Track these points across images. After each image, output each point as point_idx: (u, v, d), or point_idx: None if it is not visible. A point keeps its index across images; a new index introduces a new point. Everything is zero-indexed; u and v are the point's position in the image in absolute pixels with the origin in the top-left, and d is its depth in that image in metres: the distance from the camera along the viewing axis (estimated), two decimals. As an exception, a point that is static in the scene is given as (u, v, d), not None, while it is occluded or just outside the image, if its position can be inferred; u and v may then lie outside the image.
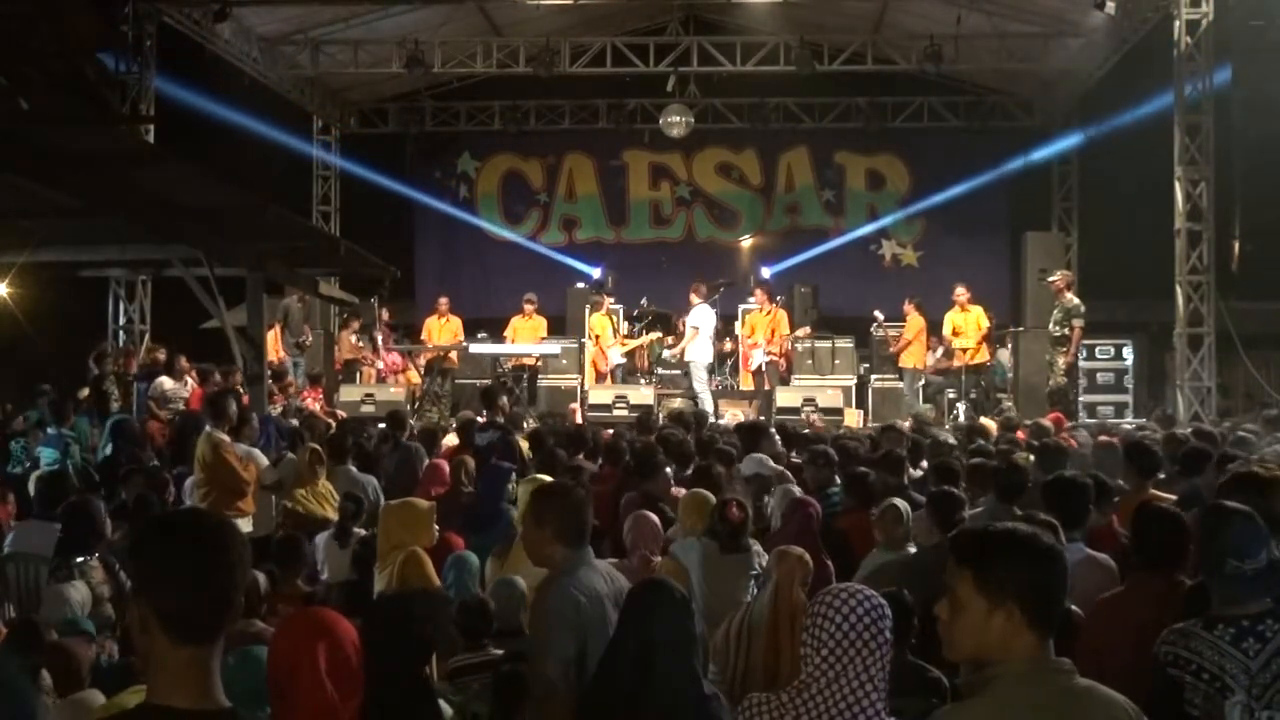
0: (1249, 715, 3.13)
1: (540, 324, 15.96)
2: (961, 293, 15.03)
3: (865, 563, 5.52)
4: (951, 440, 9.03)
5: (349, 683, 3.68)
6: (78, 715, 3.81)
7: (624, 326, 15.95)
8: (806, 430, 10.50)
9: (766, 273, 17.92)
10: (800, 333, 15.35)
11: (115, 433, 9.07)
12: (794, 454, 8.43)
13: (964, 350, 14.84)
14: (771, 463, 7.47)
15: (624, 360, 15.44)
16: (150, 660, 2.05)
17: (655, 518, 5.83)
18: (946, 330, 15.15)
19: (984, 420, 12.06)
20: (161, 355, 12.38)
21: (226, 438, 7.51)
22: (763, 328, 15.35)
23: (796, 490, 6.46)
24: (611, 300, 15.93)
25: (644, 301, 16.53)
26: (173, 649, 2.02)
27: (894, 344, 15.20)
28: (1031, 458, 7.43)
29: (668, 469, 7.47)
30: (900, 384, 15.08)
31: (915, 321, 15.14)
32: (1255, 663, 3.19)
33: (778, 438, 8.57)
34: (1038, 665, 2.33)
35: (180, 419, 9.99)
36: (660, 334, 16.02)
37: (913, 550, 5.42)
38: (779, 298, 15.92)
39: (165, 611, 2.01)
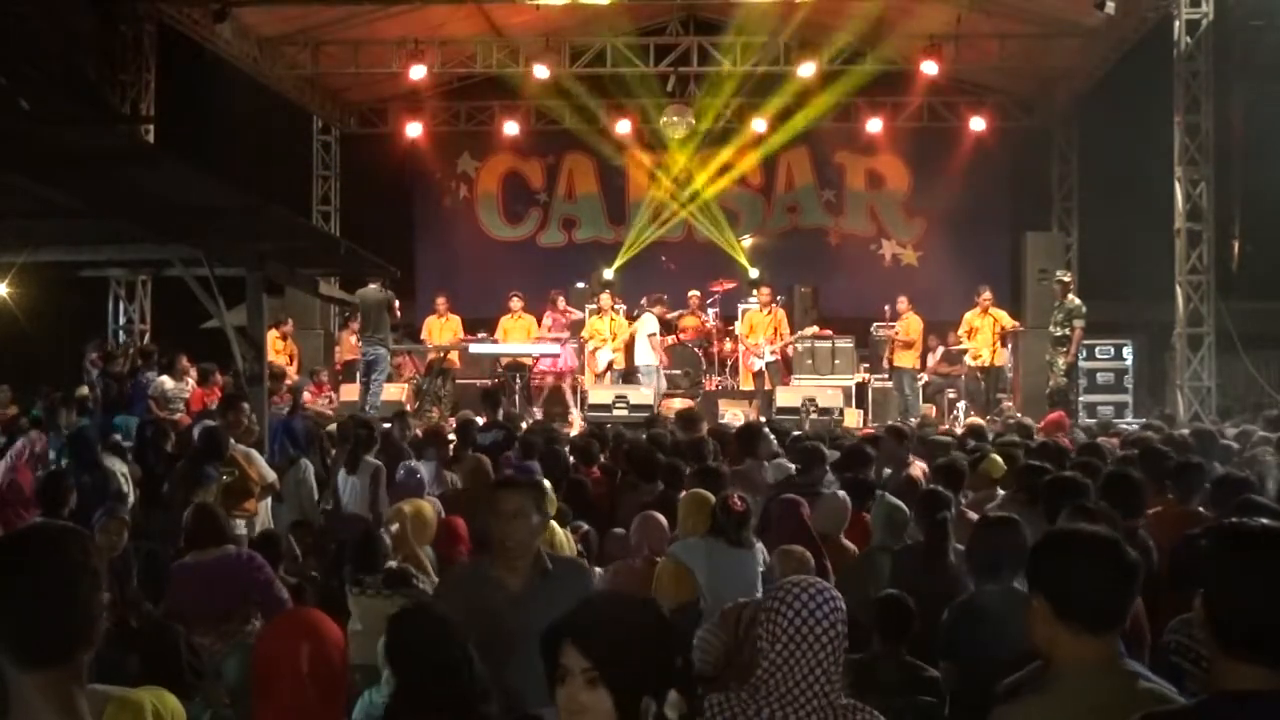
0: None
1: (529, 322, 15.94)
2: (986, 296, 15.01)
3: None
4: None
5: (332, 684, 3.69)
6: (90, 704, 3.83)
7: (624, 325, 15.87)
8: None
9: (757, 273, 17.95)
10: (809, 331, 15.38)
11: (141, 438, 9.00)
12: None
13: (977, 354, 14.84)
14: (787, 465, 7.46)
15: (615, 356, 15.42)
16: (8, 690, 1.97)
17: (663, 518, 5.82)
18: (962, 330, 15.14)
19: (975, 419, 12.09)
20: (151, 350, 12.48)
21: (230, 439, 7.54)
22: (763, 328, 15.35)
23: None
24: (611, 300, 15.89)
25: (643, 301, 16.52)
26: (21, 675, 1.96)
27: (894, 344, 15.16)
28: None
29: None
30: (890, 385, 15.12)
31: (915, 323, 15.12)
32: None
33: (773, 439, 8.58)
34: (1097, 666, 2.35)
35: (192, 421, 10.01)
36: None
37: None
38: (779, 297, 15.95)
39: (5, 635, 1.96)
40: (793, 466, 7.45)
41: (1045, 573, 2.45)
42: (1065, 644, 2.37)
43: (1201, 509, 5.70)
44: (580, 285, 17.53)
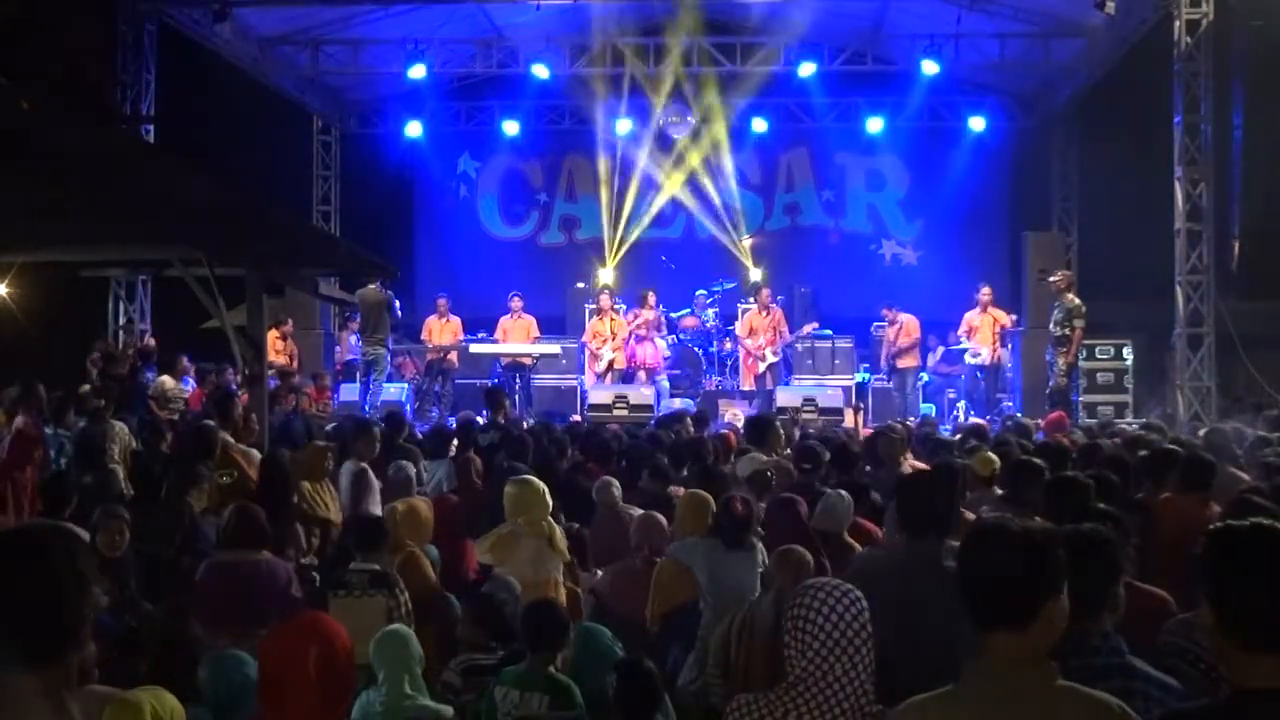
0: None
1: (529, 323, 15.94)
2: (986, 293, 15.01)
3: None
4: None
5: (338, 687, 3.69)
6: (88, 705, 3.82)
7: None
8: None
9: (758, 274, 17.94)
10: (806, 329, 15.41)
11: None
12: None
13: (976, 353, 14.82)
14: (764, 458, 7.44)
15: (614, 355, 15.42)
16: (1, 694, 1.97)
17: (663, 518, 5.81)
18: (962, 329, 15.14)
19: (976, 420, 12.09)
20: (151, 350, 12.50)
21: (231, 438, 7.52)
22: (764, 329, 15.33)
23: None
24: (610, 301, 15.89)
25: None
26: (11, 675, 1.96)
27: (899, 348, 15.12)
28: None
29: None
30: (890, 385, 15.14)
31: (912, 323, 15.14)
32: None
33: (782, 434, 8.59)
34: (1002, 662, 2.32)
35: (183, 420, 10.02)
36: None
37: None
38: (778, 298, 15.95)
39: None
40: (763, 457, 7.44)
41: (959, 566, 2.44)
42: (980, 638, 2.35)
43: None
44: (580, 285, 17.51)
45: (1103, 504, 4.69)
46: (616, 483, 6.87)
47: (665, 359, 15.69)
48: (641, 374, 15.27)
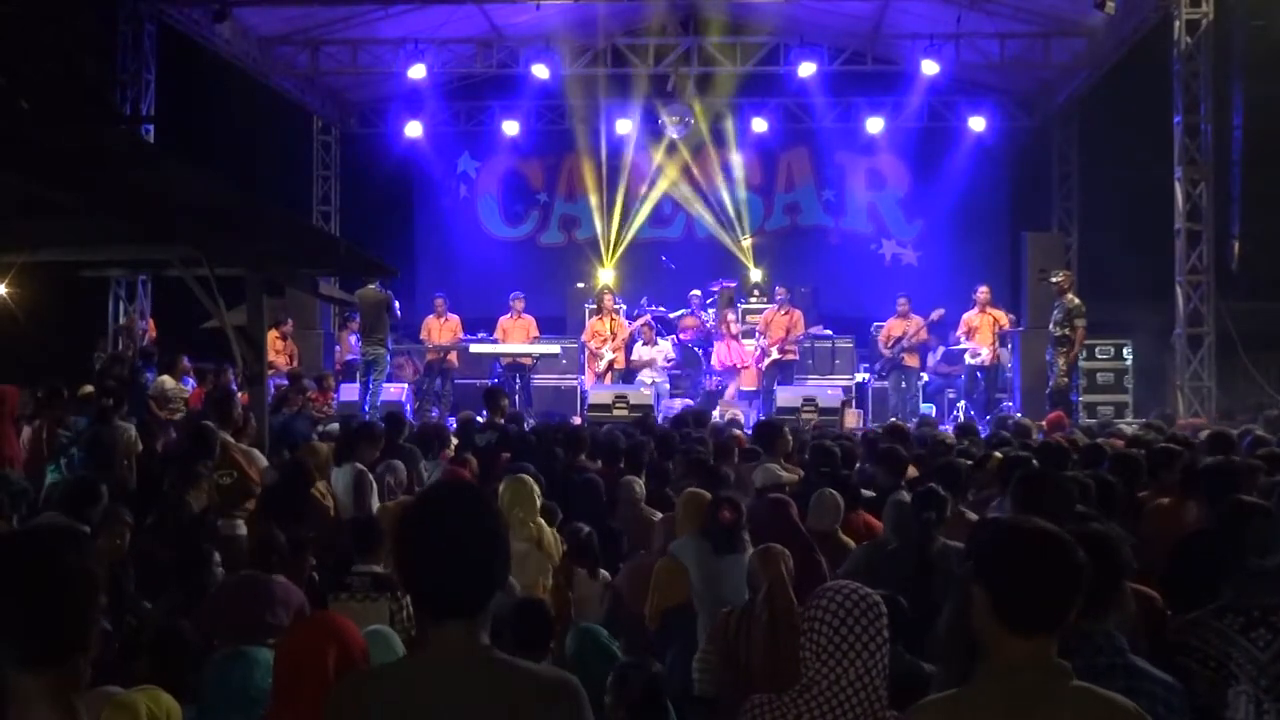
0: (1256, 706, 3.12)
1: (529, 323, 15.95)
2: (983, 293, 15.01)
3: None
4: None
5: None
6: (94, 706, 3.82)
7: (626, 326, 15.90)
8: None
9: (758, 274, 17.94)
10: (814, 330, 15.45)
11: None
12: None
13: (976, 354, 14.81)
14: (784, 473, 7.41)
15: (614, 355, 15.41)
16: (7, 690, 1.97)
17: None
18: (960, 330, 15.14)
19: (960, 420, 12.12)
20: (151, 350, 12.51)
21: (231, 438, 7.51)
22: (779, 327, 15.30)
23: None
24: (610, 300, 15.90)
25: (644, 300, 16.54)
26: (19, 676, 1.96)
27: (905, 338, 15.11)
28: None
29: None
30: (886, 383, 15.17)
31: (926, 329, 15.16)
32: (1266, 654, 3.20)
33: (791, 438, 8.59)
34: (1026, 666, 2.31)
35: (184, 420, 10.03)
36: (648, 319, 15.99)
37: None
38: (781, 297, 15.96)
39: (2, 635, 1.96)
40: (782, 473, 7.42)
41: (989, 565, 2.41)
42: (999, 640, 2.34)
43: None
44: (580, 285, 17.49)
45: (1096, 505, 4.68)
46: (639, 481, 6.86)
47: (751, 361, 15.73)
48: (740, 376, 15.23)
